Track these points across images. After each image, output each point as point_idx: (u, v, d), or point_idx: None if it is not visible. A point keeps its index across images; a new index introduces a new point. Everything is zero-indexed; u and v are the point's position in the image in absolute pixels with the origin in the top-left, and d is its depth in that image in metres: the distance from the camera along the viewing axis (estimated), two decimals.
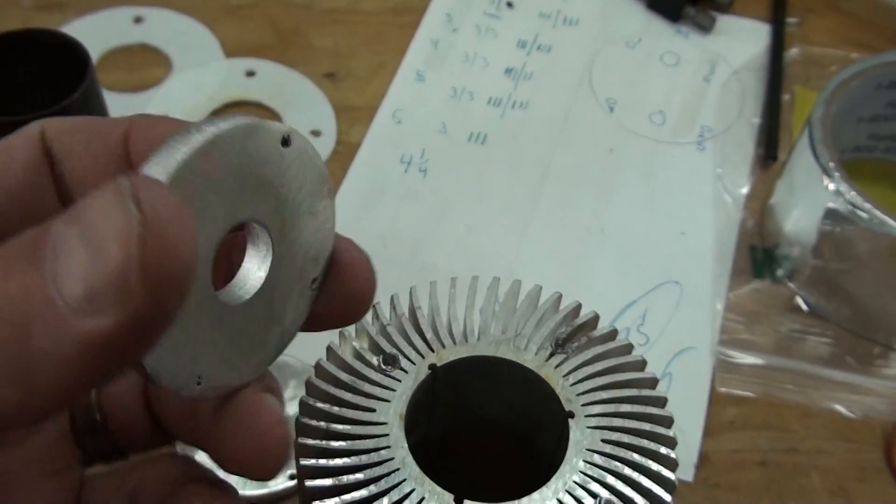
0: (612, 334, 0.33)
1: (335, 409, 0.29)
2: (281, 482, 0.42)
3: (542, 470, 0.29)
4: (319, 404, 0.29)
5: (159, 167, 0.20)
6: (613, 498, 0.28)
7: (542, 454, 0.32)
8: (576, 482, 0.29)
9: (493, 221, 0.54)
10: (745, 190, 0.57)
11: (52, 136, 0.26)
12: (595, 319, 0.33)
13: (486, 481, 0.30)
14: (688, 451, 0.45)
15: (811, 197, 0.48)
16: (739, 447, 0.46)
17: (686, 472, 0.44)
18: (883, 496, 0.44)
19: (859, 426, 0.47)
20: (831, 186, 0.47)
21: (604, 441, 0.30)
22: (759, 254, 0.53)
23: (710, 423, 0.46)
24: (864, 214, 0.45)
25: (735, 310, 0.51)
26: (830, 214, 0.47)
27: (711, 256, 0.53)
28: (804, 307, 0.51)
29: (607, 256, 0.53)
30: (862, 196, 0.46)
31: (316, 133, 0.57)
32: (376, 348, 0.31)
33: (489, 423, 0.34)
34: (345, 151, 0.56)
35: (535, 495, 0.28)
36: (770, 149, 0.58)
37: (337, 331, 0.31)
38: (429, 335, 0.32)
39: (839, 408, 0.47)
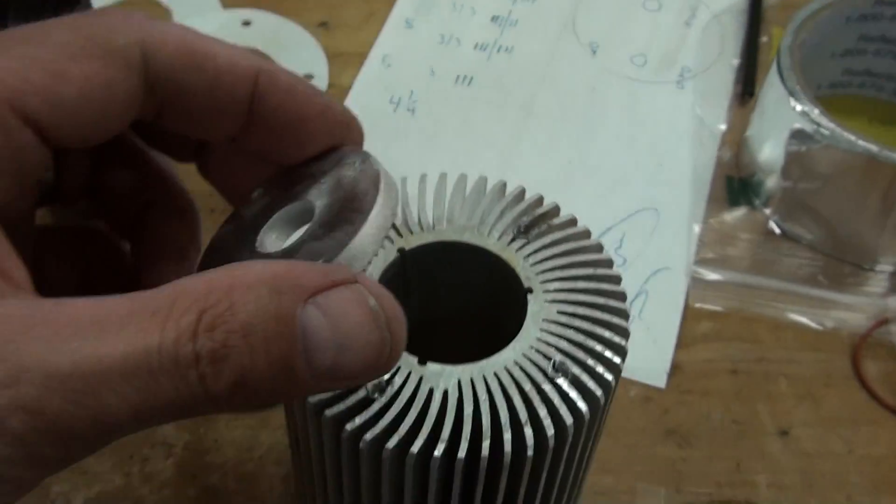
0: (573, 222, 0.35)
1: None
2: None
3: (506, 343, 0.31)
4: None
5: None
6: (566, 360, 0.30)
7: (506, 331, 0.34)
8: (531, 347, 0.31)
9: (479, 156, 0.56)
10: (723, 126, 0.58)
11: (160, 66, 0.26)
12: (556, 209, 0.35)
13: (455, 357, 0.32)
14: (661, 360, 0.47)
15: (781, 120, 0.50)
16: (711, 357, 0.47)
17: (659, 380, 0.46)
18: (848, 399, 0.46)
19: (828, 337, 0.48)
20: (798, 108, 0.48)
21: (559, 312, 0.32)
22: (735, 183, 0.55)
23: (684, 336, 0.48)
24: (826, 132, 0.47)
25: (711, 234, 0.52)
26: (797, 134, 0.49)
27: (689, 186, 0.55)
28: (778, 231, 0.53)
29: (587, 188, 0.55)
30: (826, 116, 0.48)
31: (309, 77, 0.59)
32: None
33: (458, 305, 0.36)
34: (336, 94, 0.59)
35: (494, 358, 0.31)
36: (748, 85, 0.60)
37: None
38: (398, 222, 0.34)
39: (808, 321, 0.49)
